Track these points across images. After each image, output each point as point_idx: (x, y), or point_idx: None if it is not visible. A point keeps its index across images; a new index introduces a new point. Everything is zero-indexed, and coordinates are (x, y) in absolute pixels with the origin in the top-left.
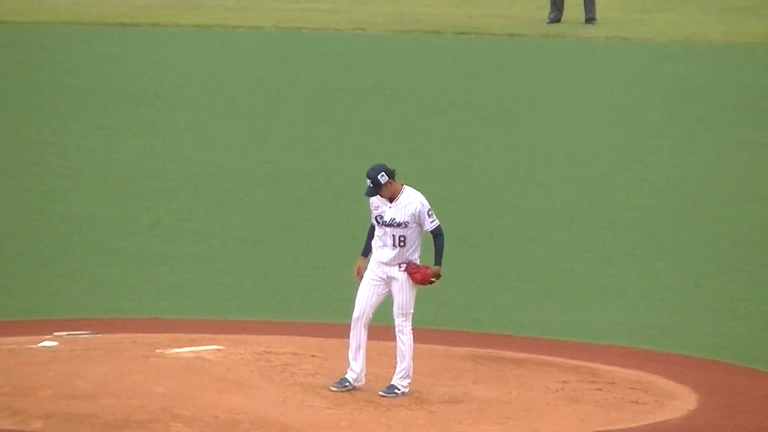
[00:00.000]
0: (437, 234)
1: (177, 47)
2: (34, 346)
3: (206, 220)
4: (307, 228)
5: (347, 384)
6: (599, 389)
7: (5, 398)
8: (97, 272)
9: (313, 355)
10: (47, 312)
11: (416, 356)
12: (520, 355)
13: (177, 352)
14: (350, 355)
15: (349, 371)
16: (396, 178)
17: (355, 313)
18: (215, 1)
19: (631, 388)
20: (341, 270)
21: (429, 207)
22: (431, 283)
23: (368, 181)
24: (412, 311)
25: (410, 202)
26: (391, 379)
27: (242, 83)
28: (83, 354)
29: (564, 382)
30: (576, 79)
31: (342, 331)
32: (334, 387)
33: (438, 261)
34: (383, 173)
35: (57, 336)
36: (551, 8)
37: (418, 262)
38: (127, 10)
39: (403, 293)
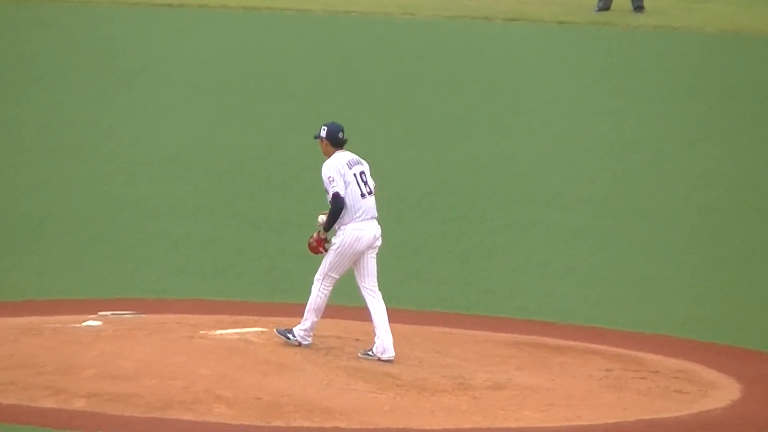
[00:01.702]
0: (331, 201)
1: (224, 30)
2: (78, 325)
3: (251, 204)
4: None
5: (369, 353)
6: (643, 378)
7: (48, 377)
8: (141, 254)
9: (357, 339)
10: (92, 292)
11: (459, 342)
12: (563, 342)
13: (221, 334)
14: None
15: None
16: (344, 147)
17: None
18: None
19: (675, 378)
20: (386, 255)
21: (329, 174)
22: (317, 250)
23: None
24: (331, 274)
25: (322, 169)
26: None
27: (289, 67)
28: (127, 334)
29: (607, 370)
30: (623, 68)
31: (387, 315)
32: (361, 354)
33: (325, 226)
34: (324, 128)
35: (101, 316)
36: None
37: (348, 227)
38: None
39: (329, 254)
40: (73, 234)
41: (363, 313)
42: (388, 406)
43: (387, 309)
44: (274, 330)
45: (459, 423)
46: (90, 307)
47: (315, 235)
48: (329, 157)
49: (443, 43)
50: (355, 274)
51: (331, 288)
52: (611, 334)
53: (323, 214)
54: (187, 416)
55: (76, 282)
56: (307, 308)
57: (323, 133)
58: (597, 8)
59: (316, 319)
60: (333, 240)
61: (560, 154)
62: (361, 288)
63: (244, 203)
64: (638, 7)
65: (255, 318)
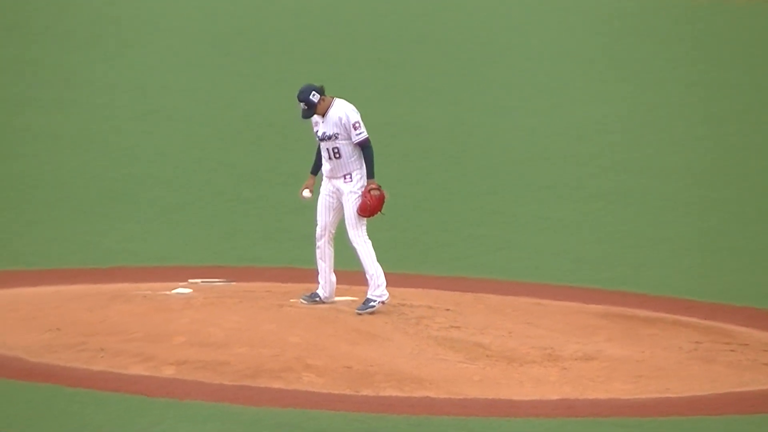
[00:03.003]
0: (364, 146)
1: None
2: (168, 292)
3: None
4: (445, 180)
5: (317, 298)
6: (732, 350)
7: (138, 344)
8: (233, 220)
9: (448, 309)
10: (182, 259)
11: (549, 313)
12: (653, 314)
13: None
14: (320, 278)
15: (319, 288)
16: (326, 93)
17: (318, 231)
18: None
19: (765, 350)
20: (477, 224)
21: (357, 120)
22: (374, 207)
23: (301, 104)
24: (364, 222)
25: (337, 114)
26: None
27: (383, 34)
28: (217, 302)
29: (697, 342)
30: (716, 39)
31: (478, 285)
32: (304, 300)
33: (370, 173)
34: (314, 92)
35: (191, 283)
36: None
37: (362, 172)
38: None
39: (349, 205)
40: (165, 199)
41: (455, 283)
42: (478, 376)
43: (479, 278)
44: (356, 312)
45: (548, 394)
46: (180, 274)
47: (368, 192)
48: (330, 106)
49: (537, 12)
50: (335, 219)
51: None
52: (701, 306)
53: (306, 188)
54: (277, 384)
55: (167, 248)
56: (366, 263)
57: (315, 98)
58: None
59: (380, 268)
60: (351, 187)
61: (653, 123)
62: (330, 233)
63: None
64: None
65: (345, 287)
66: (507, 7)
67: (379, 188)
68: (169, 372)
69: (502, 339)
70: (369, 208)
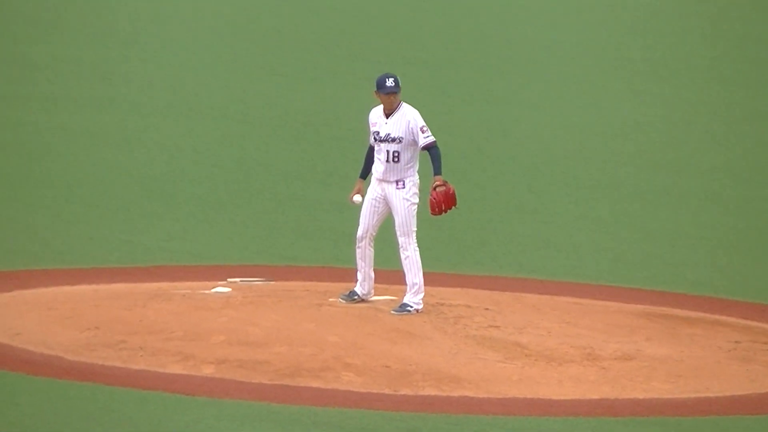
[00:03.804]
0: (432, 147)
1: None
2: (207, 291)
3: None
4: (483, 179)
5: (356, 297)
6: None
7: (178, 343)
8: (271, 219)
9: (486, 308)
10: (221, 257)
11: (588, 312)
12: (692, 314)
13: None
14: (358, 276)
15: (358, 286)
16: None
17: (359, 232)
18: None
19: None
20: (516, 223)
21: (424, 124)
22: (451, 199)
23: (391, 79)
24: (415, 229)
25: (405, 117)
26: (402, 298)
27: (420, 33)
28: (256, 301)
29: (736, 342)
30: (757, 38)
31: (517, 284)
32: (342, 299)
33: (437, 170)
34: (399, 80)
35: (230, 282)
36: None
37: (415, 179)
38: None
39: (402, 213)
40: (203, 198)
41: (494, 282)
42: (517, 376)
43: (518, 278)
44: (391, 311)
45: (587, 393)
46: (219, 273)
47: (433, 190)
48: (398, 108)
49: (576, 11)
50: (379, 223)
51: None
52: (740, 306)
53: (356, 193)
54: (316, 383)
55: (206, 247)
56: (410, 274)
57: (400, 84)
58: None
59: (422, 280)
60: (404, 194)
61: (693, 121)
62: (371, 236)
63: None
64: None
65: (384, 286)
66: (546, 5)
67: (444, 183)
68: (208, 371)
69: (540, 338)
70: (436, 205)
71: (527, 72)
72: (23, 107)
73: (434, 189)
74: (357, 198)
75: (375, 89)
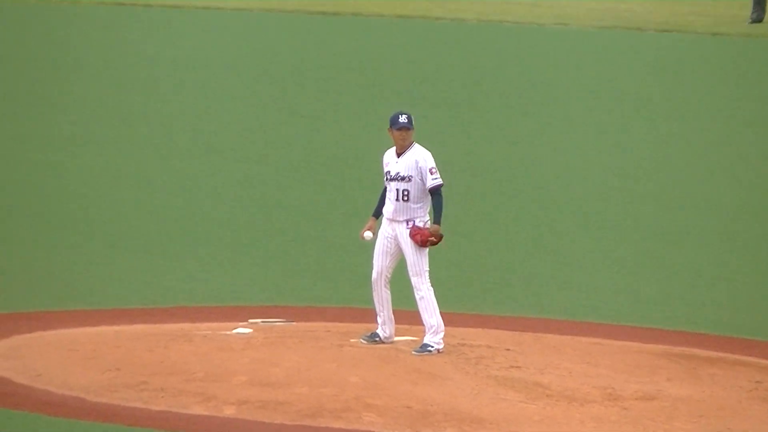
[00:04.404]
0: (435, 193)
1: (378, 37)
2: (228, 332)
3: None
4: (504, 220)
5: (377, 338)
6: None
7: (199, 384)
8: (293, 259)
9: (508, 349)
10: (242, 298)
11: (609, 352)
12: (714, 354)
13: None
14: (378, 319)
15: (379, 328)
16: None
17: (374, 275)
18: None
19: None
20: (538, 263)
21: (434, 166)
22: (432, 243)
23: (404, 116)
24: (427, 269)
25: (415, 157)
26: (423, 339)
27: (442, 74)
28: (277, 341)
29: (757, 382)
30: (766, 76)
31: (538, 325)
32: (363, 339)
33: (436, 220)
34: (412, 118)
35: (252, 323)
36: (753, 8)
37: (425, 218)
38: None
39: (412, 253)
40: (224, 238)
41: (515, 323)
42: (538, 416)
43: (539, 318)
44: (412, 352)
45: None
46: (241, 314)
47: (425, 231)
48: (409, 147)
49: (596, 52)
50: (392, 264)
51: None
52: (761, 346)
53: (368, 229)
54: (337, 424)
55: (227, 288)
56: (426, 315)
57: (414, 122)
58: (750, 20)
59: (440, 319)
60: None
61: (714, 161)
62: (386, 278)
63: None
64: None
65: (405, 327)
66: (565, 47)
67: (437, 237)
68: (229, 412)
69: (562, 378)
70: (420, 242)
71: (549, 113)
72: (45, 148)
73: (430, 233)
74: (368, 234)
75: (388, 126)
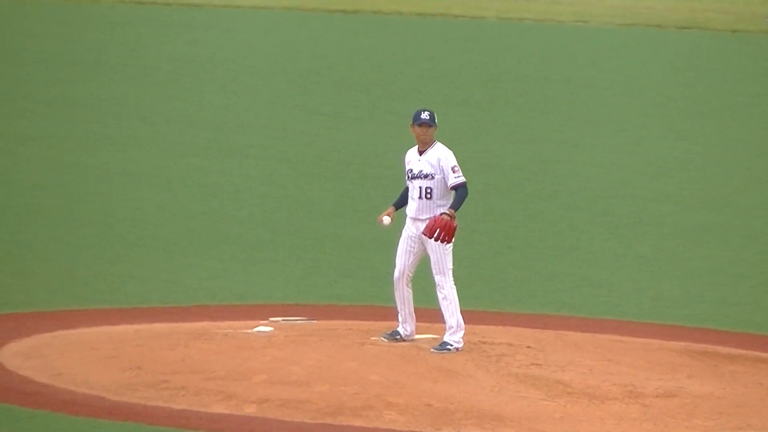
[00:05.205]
0: (460, 187)
1: (398, 35)
2: (249, 330)
3: None
4: (524, 218)
5: (398, 336)
6: None
7: (220, 382)
8: (313, 257)
9: (528, 346)
10: (263, 296)
11: (630, 350)
12: (734, 351)
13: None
14: (399, 317)
15: (400, 326)
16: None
17: (396, 274)
18: None
19: None
20: (557, 261)
21: (455, 164)
22: (448, 230)
23: (426, 113)
24: (451, 267)
25: (437, 155)
26: (442, 337)
27: (462, 72)
28: (298, 340)
29: None
30: None
31: (558, 322)
32: (384, 338)
33: (454, 205)
34: (435, 115)
35: (272, 321)
36: None
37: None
38: None
39: (437, 251)
40: (244, 237)
41: (535, 320)
42: (559, 414)
43: (559, 315)
44: (431, 350)
45: (629, 431)
46: (261, 312)
47: (443, 218)
48: (431, 145)
49: (616, 49)
50: (415, 263)
51: None
52: None
53: (387, 215)
54: (358, 422)
55: (248, 286)
56: (447, 314)
57: (435, 121)
58: None
59: (461, 318)
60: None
61: (735, 159)
62: (408, 277)
63: None
64: None
65: (426, 325)
66: (585, 45)
67: (452, 216)
68: (250, 410)
69: (583, 376)
70: (433, 228)
71: (567, 111)
72: (64, 147)
73: (441, 215)
74: (386, 219)
75: (411, 123)
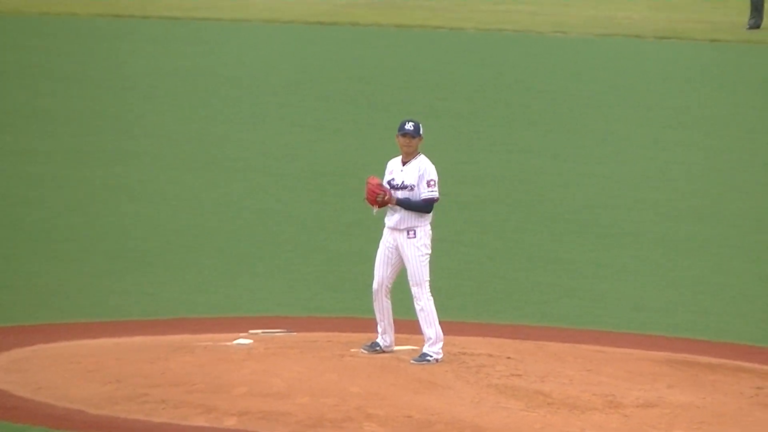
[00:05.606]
0: (428, 203)
1: (378, 47)
2: (229, 343)
3: None
4: (506, 229)
5: (377, 347)
6: None
7: (200, 395)
8: (294, 270)
9: (508, 357)
10: (243, 309)
11: (610, 360)
12: (715, 360)
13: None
14: (379, 328)
15: (379, 338)
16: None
17: (374, 285)
18: (417, 1)
19: None
20: (539, 271)
21: (434, 179)
22: (376, 200)
23: (411, 123)
24: (427, 279)
25: (419, 166)
26: (422, 348)
27: (442, 84)
28: (278, 352)
29: (758, 388)
30: (766, 83)
31: (539, 333)
32: (364, 349)
33: (403, 199)
34: (420, 126)
35: (252, 333)
36: (752, 14)
37: (427, 229)
38: (328, 9)
39: (413, 262)
40: (226, 250)
41: (516, 331)
42: (539, 424)
43: (540, 326)
44: (411, 361)
45: None
46: (241, 324)
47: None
48: (417, 155)
49: (596, 60)
50: (393, 274)
51: None
52: (763, 352)
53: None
54: None
55: (228, 298)
56: (425, 325)
57: (421, 131)
58: (748, 26)
59: (439, 329)
60: (415, 243)
61: (715, 169)
62: (387, 288)
63: None
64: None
65: (406, 336)
66: (565, 55)
67: (388, 195)
68: (230, 423)
69: (563, 386)
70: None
71: (549, 121)
72: (45, 162)
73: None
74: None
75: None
